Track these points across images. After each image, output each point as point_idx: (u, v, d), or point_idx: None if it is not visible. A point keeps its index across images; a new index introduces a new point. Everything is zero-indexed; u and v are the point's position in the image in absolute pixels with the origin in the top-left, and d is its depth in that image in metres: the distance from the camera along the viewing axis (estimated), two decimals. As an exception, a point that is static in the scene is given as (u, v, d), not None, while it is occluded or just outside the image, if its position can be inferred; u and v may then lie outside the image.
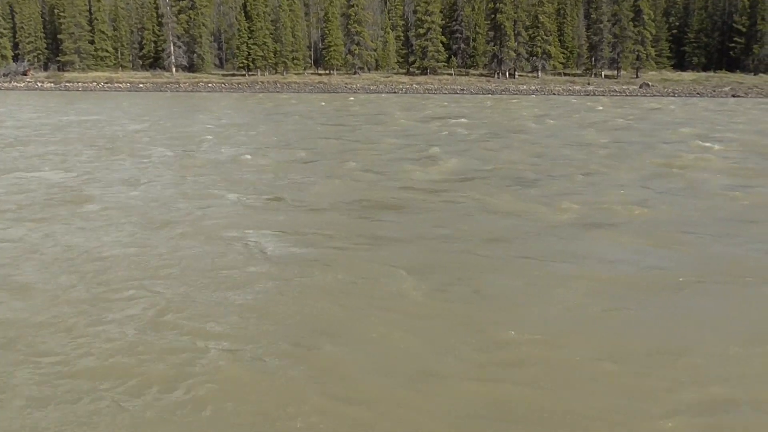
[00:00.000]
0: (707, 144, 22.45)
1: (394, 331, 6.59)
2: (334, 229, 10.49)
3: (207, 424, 4.96)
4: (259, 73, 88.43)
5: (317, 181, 14.90)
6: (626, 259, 8.96)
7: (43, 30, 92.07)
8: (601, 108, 45.91)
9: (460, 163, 17.45)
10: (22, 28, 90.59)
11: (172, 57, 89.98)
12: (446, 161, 17.69)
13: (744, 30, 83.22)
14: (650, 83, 77.34)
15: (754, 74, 79.17)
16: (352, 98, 61.13)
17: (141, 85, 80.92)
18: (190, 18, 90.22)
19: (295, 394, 5.37)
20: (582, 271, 8.33)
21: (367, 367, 5.84)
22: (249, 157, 18.82)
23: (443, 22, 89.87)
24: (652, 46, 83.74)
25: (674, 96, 70.53)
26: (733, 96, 69.28)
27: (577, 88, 77.69)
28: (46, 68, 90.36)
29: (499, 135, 25.81)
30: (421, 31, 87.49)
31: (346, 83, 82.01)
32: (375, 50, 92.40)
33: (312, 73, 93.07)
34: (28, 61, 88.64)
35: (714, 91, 72.66)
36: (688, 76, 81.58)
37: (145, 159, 18.76)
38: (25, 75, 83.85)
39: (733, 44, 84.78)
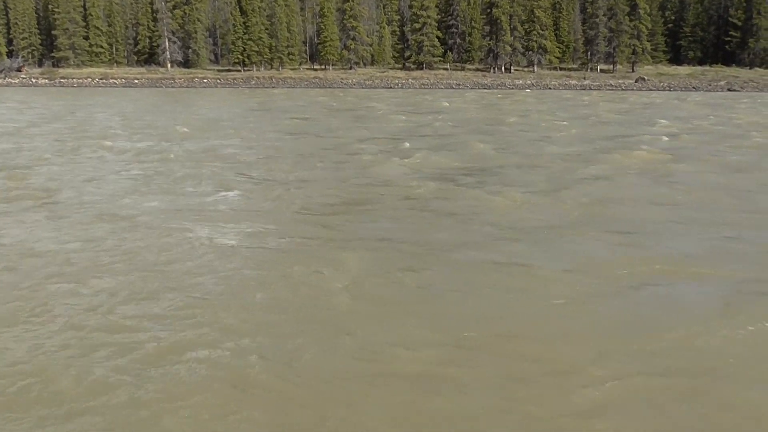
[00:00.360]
0: (671, 138, 22.27)
1: (342, 320, 6.60)
2: (282, 223, 10.40)
3: (149, 420, 4.88)
4: (254, 69, 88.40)
5: (270, 176, 14.78)
6: (569, 251, 8.90)
7: (37, 26, 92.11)
8: (586, 102, 45.76)
9: (420, 158, 17.22)
10: (16, 24, 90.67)
11: (167, 53, 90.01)
12: (407, 156, 17.51)
13: (739, 24, 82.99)
14: (646, 77, 77.17)
15: (750, 68, 79.01)
16: (341, 93, 61.08)
17: (136, 81, 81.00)
18: (185, 13, 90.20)
19: (241, 384, 5.35)
20: (525, 263, 8.34)
21: (312, 353, 5.87)
22: (209, 153, 18.68)
23: (439, 16, 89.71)
24: (648, 41, 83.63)
25: (670, 90, 70.31)
26: (729, 90, 69.02)
27: (573, 82, 77.53)
28: (40, 64, 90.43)
29: (474, 130, 25.56)
30: (417, 25, 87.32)
31: (342, 78, 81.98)
32: (371, 45, 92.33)
33: (307, 69, 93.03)
34: (23, 57, 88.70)
35: (710, 85, 72.43)
36: (683, 70, 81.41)
37: (102, 154, 18.55)
38: (20, 71, 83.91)
39: (728, 38, 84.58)
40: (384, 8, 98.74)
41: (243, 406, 5.05)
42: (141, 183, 13.92)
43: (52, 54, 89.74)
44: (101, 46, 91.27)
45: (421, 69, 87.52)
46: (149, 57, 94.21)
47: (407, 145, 20.21)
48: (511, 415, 4.95)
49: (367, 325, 6.49)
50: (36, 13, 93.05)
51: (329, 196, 12.56)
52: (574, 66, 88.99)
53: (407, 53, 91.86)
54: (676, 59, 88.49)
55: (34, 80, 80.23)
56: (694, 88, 71.57)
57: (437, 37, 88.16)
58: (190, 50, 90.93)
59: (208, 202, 11.94)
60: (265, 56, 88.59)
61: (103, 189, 13.25)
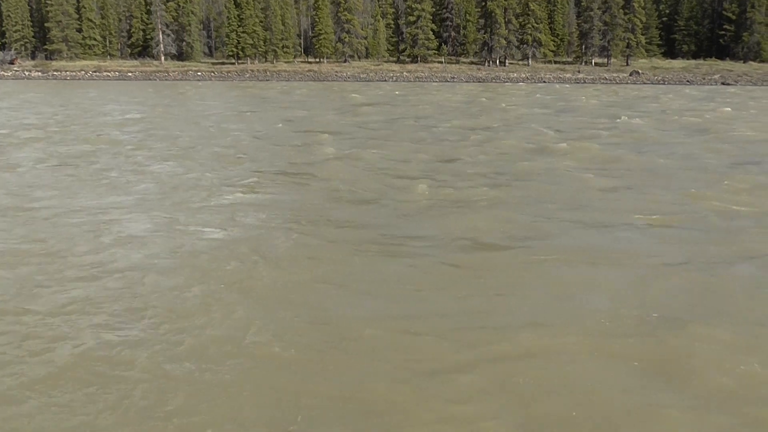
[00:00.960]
0: (598, 131, 22.19)
1: (235, 308, 6.69)
2: (186, 211, 10.48)
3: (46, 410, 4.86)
4: (248, 62, 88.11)
5: (189, 169, 14.87)
6: (472, 237, 9.07)
7: (30, 18, 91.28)
8: (551, 96, 45.73)
9: (342, 149, 17.53)
10: (8, 16, 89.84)
11: (161, 45, 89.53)
12: (327, 147, 17.74)
13: (734, 17, 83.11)
14: (640, 71, 77.26)
15: (744, 62, 79.16)
16: (317, 85, 61.00)
17: (130, 74, 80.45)
18: (179, 6, 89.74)
19: (162, 375, 5.35)
20: (431, 253, 8.45)
21: (204, 339, 5.91)
22: (139, 144, 18.79)
23: (433, 9, 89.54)
24: (642, 34, 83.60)
25: (664, 84, 70.40)
26: (723, 84, 69.16)
27: (568, 75, 77.59)
28: (33, 57, 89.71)
29: (426, 125, 25.35)
30: (412, 18, 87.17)
31: (336, 71, 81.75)
32: (365, 38, 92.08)
33: (302, 62, 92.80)
34: (15, 50, 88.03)
35: (704, 78, 72.55)
36: (678, 63, 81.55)
37: (41, 146, 18.49)
38: (12, 64, 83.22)
39: (722, 32, 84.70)
40: (378, 1, 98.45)
41: (163, 397, 5.02)
42: (62, 174, 13.97)
43: (45, 46, 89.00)
44: (94, 39, 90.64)
45: (416, 62, 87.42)
46: (143, 50, 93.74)
47: (342, 137, 20.31)
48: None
49: (280, 306, 6.61)
50: (29, 5, 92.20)
51: (241, 185, 12.69)
52: (569, 59, 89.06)
53: (402, 46, 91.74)
54: (671, 53, 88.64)
55: (27, 73, 79.57)
56: (688, 81, 71.69)
57: (432, 30, 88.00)
58: (184, 43, 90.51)
59: (122, 192, 12.03)
60: (259, 49, 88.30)
61: (25, 180, 13.23)
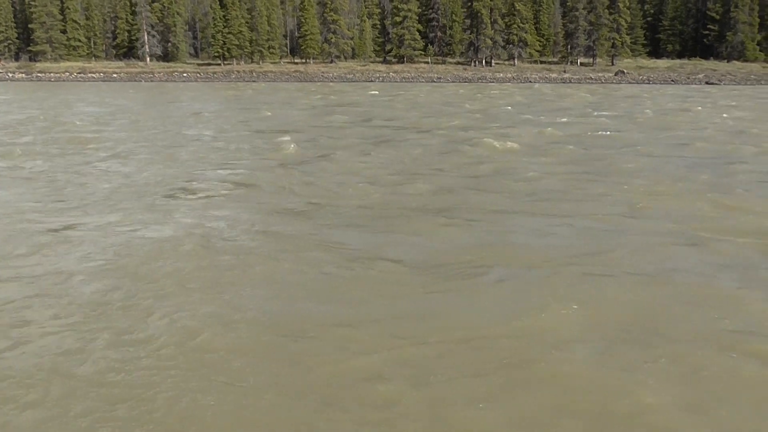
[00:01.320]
0: (552, 130, 21.92)
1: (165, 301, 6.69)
2: (125, 212, 10.37)
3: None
4: (235, 63, 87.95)
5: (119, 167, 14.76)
6: (413, 243, 8.93)
7: (13, 19, 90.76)
8: (527, 95, 45.74)
9: (300, 148, 17.51)
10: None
11: (146, 46, 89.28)
12: (280, 149, 17.69)
13: (718, 17, 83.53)
14: (625, 71, 77.55)
15: (727, 61, 79.54)
16: (282, 87, 60.92)
17: (115, 75, 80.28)
18: (164, 6, 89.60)
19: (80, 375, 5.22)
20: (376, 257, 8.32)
21: (145, 340, 5.82)
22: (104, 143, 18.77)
23: (419, 10, 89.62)
24: (628, 34, 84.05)
25: (648, 83, 70.67)
26: (707, 83, 69.45)
27: (554, 75, 77.78)
28: (17, 58, 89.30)
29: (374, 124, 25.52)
30: (398, 19, 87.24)
31: (323, 72, 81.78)
32: (351, 39, 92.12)
33: (288, 62, 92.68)
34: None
35: (688, 78, 72.91)
36: (662, 63, 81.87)
37: None
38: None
39: (707, 32, 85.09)
40: (364, 1, 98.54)
41: (106, 400, 4.86)
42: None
43: (29, 48, 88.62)
44: (79, 40, 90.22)
45: (402, 62, 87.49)
46: (128, 51, 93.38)
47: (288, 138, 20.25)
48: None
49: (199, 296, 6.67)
50: (12, 6, 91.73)
51: (181, 186, 12.60)
52: (555, 59, 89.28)
53: (388, 47, 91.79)
54: (655, 52, 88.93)
55: (10, 75, 79.20)
56: (672, 81, 72.00)
57: (418, 30, 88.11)
58: (170, 44, 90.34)
59: (61, 193, 11.88)
60: (245, 50, 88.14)
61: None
